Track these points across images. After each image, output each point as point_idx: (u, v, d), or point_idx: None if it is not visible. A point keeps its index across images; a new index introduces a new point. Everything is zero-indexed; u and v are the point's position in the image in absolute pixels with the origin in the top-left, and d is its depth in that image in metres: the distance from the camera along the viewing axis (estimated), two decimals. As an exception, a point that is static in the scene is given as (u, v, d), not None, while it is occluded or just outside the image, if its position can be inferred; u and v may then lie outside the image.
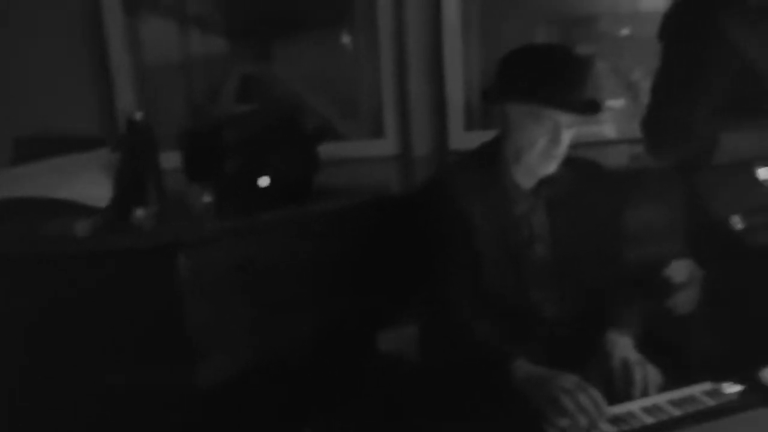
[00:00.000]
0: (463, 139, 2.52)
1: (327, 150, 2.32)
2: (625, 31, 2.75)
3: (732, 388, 1.19)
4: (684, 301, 2.35)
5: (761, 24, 1.56)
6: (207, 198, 1.65)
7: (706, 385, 1.21)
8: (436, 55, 2.54)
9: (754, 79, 1.54)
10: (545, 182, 1.43)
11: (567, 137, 1.37)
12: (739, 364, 1.32)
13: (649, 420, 1.12)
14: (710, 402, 1.16)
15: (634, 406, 1.17)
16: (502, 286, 1.41)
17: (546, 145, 1.36)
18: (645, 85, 2.71)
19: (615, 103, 2.65)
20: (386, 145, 2.60)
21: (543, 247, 1.44)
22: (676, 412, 1.13)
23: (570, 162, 1.45)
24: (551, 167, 1.41)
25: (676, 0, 1.64)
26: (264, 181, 1.78)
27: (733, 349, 1.82)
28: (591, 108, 1.36)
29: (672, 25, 1.63)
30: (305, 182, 1.99)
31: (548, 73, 1.34)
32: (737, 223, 1.58)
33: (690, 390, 1.20)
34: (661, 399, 1.18)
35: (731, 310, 1.80)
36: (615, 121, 2.63)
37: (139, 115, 1.66)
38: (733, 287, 1.72)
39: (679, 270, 2.35)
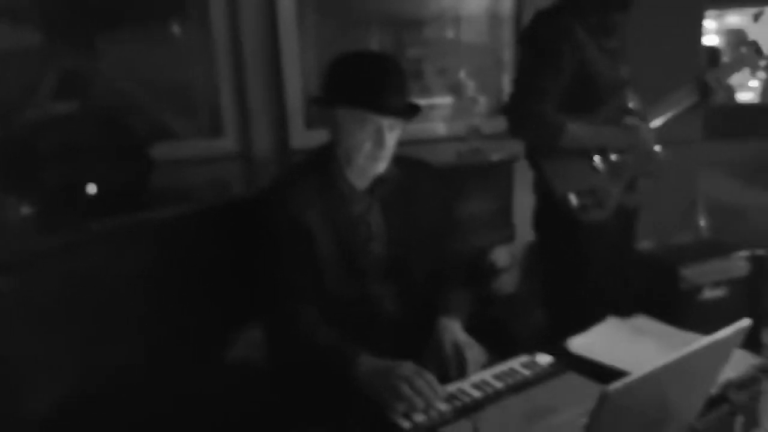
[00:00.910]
0: (304, 136, 2.56)
1: (162, 150, 2.23)
2: (450, 35, 2.96)
3: (544, 358, 1.36)
4: (506, 284, 2.63)
5: (603, 39, 1.90)
6: (25, 210, 1.51)
7: (523, 358, 1.37)
8: (274, 52, 2.54)
9: (592, 82, 1.87)
10: (378, 182, 1.51)
11: (392, 139, 1.45)
12: (551, 336, 1.52)
13: (477, 394, 1.24)
14: (527, 373, 1.31)
15: (464, 383, 1.29)
16: (343, 286, 1.47)
17: (372, 148, 1.43)
18: (470, 85, 2.96)
19: (442, 103, 2.85)
20: (226, 144, 2.56)
21: (380, 245, 1.52)
22: (499, 385, 1.27)
23: (400, 161, 1.54)
24: (380, 167, 1.48)
25: (538, 11, 1.92)
26: (90, 188, 1.68)
27: (547, 323, 2.08)
28: (410, 112, 1.46)
29: (532, 32, 1.91)
30: (138, 186, 1.90)
31: (368, 79, 1.41)
32: (573, 200, 1.88)
33: (510, 363, 1.35)
34: (487, 374, 1.32)
35: (552, 286, 2.08)
36: (443, 119, 2.83)
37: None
38: (563, 261, 1.99)
39: (502, 255, 2.62)
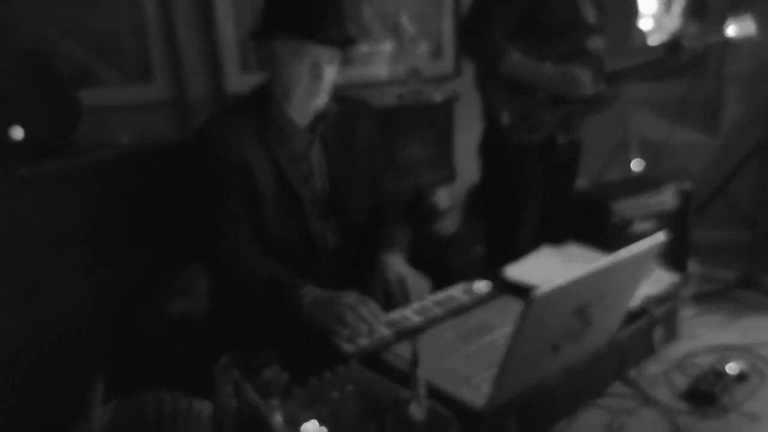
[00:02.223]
0: (240, 80, 2.49)
1: (89, 96, 2.14)
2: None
3: (482, 285, 1.42)
4: (447, 225, 2.69)
5: None
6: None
7: (462, 285, 1.42)
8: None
9: (543, 19, 1.96)
10: (319, 119, 1.51)
11: (330, 73, 1.44)
12: (488, 266, 1.57)
13: (418, 319, 1.29)
14: (465, 298, 1.37)
15: (407, 310, 1.33)
16: (284, 222, 1.47)
17: (310, 81, 1.42)
18: (410, 29, 2.93)
19: (384, 47, 2.82)
20: (156, 90, 2.46)
21: (321, 180, 1.53)
22: (439, 310, 1.32)
23: (341, 100, 1.55)
24: (320, 102, 1.48)
25: None
26: (17, 133, 1.61)
27: (486, 258, 2.15)
28: (345, 42, 1.46)
29: None
30: (66, 132, 1.83)
31: (306, 9, 1.40)
32: (505, 119, 2.03)
33: (450, 291, 1.41)
34: (428, 301, 1.37)
35: (493, 218, 2.16)
36: (384, 63, 2.81)
37: None
38: (504, 188, 2.12)
39: (443, 197, 2.67)
